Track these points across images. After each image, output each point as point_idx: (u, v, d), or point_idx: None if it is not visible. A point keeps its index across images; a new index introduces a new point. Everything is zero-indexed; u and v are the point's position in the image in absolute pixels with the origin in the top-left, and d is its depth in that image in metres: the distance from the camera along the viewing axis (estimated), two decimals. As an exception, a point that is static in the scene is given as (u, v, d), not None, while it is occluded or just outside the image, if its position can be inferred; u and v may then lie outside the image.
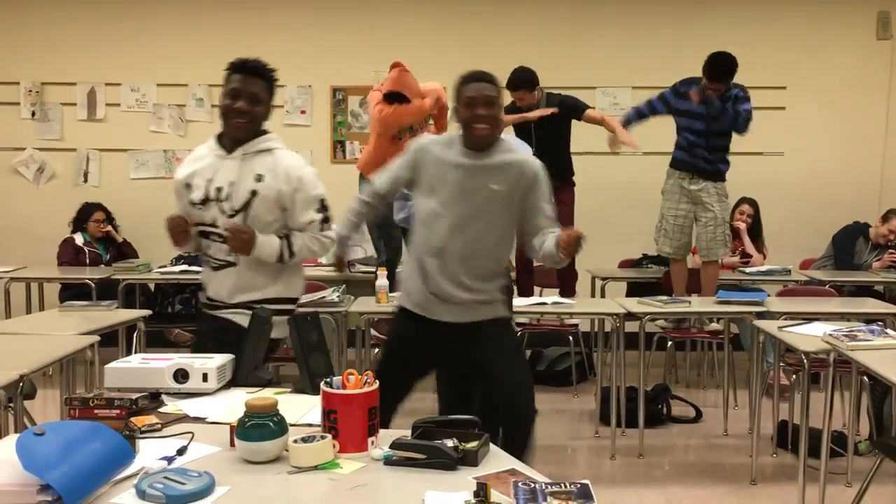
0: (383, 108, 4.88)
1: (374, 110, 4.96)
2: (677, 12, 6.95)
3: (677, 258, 5.44)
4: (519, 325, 5.71)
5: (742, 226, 6.12)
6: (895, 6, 6.97)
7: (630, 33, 6.99)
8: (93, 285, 5.55)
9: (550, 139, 5.42)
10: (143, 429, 2.04)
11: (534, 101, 5.44)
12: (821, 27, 6.98)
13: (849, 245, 6.23)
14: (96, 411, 2.11)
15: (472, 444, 1.91)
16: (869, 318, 4.21)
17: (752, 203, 6.17)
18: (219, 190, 2.96)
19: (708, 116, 5.15)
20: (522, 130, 5.48)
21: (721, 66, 5.05)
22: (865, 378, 4.02)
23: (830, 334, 3.38)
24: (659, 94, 5.40)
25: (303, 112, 7.12)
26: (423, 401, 5.45)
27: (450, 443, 1.89)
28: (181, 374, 2.42)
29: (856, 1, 6.97)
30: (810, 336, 3.61)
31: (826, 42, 6.99)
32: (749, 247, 6.12)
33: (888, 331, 3.42)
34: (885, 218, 6.16)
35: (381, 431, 1.99)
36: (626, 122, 5.52)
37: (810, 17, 6.98)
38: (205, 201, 2.97)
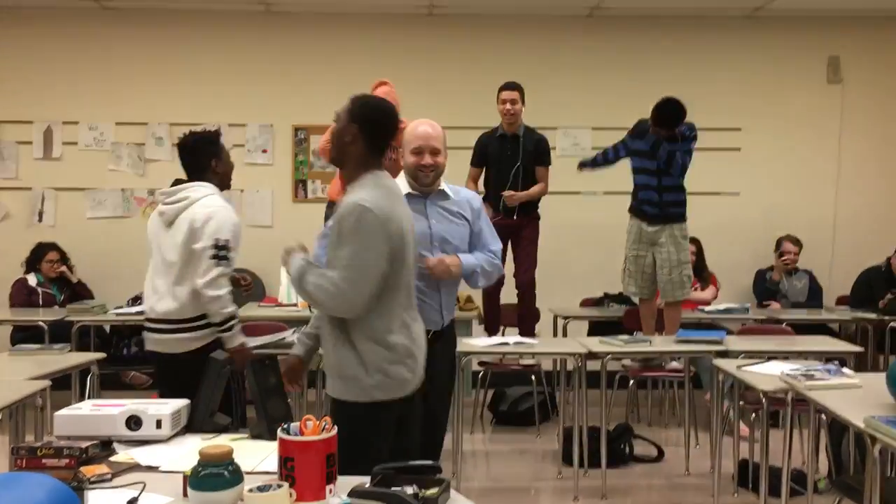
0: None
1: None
2: (635, 56, 7.08)
3: (644, 298, 5.45)
4: (482, 364, 5.71)
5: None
6: (845, 52, 7.18)
7: (590, 76, 7.11)
8: (46, 327, 5.41)
9: (524, 176, 5.47)
10: (92, 479, 1.98)
11: (518, 114, 5.47)
12: (774, 71, 7.17)
13: (762, 284, 6.62)
14: (44, 461, 2.05)
15: (433, 491, 1.89)
16: (827, 357, 4.27)
17: (695, 242, 6.23)
18: None
19: (655, 151, 5.22)
20: (505, 165, 5.48)
21: (666, 113, 5.10)
22: (823, 416, 4.06)
23: (788, 374, 3.41)
24: (620, 141, 5.44)
25: (264, 151, 7.10)
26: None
27: (410, 490, 1.87)
28: (134, 421, 2.37)
29: (807, 46, 7.17)
30: (768, 375, 3.65)
31: (779, 85, 7.18)
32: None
33: (844, 370, 3.47)
34: (778, 248, 6.63)
35: (340, 478, 1.95)
36: (583, 165, 5.65)
37: (764, 61, 7.17)
38: None
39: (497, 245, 3.37)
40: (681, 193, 5.29)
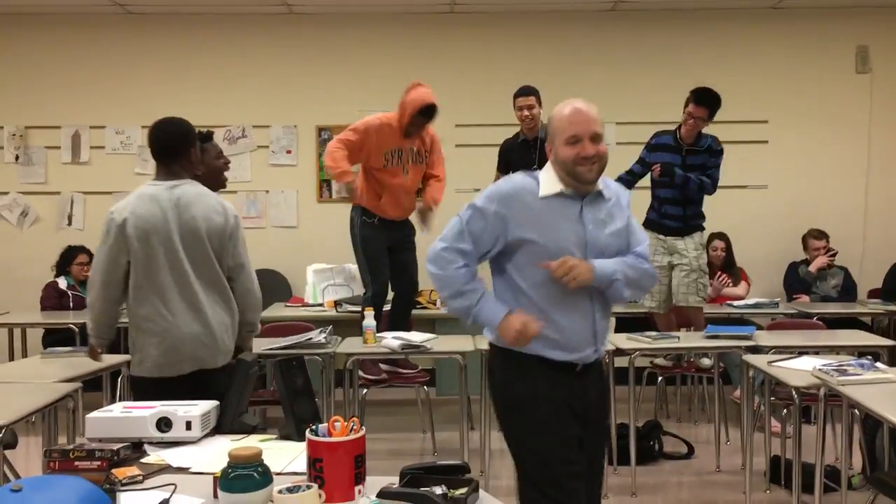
0: (335, 152, 4.79)
1: (334, 144, 4.84)
2: (660, 50, 7.02)
3: (661, 312, 5.39)
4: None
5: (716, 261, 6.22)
6: (873, 41, 7.07)
7: (613, 71, 7.05)
8: (76, 330, 5.47)
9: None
10: (124, 481, 2.00)
11: (537, 118, 5.44)
12: (801, 62, 7.07)
13: (793, 277, 6.52)
14: (76, 463, 2.07)
15: (461, 491, 1.88)
16: (860, 351, 4.21)
17: (724, 237, 6.23)
18: None
19: (682, 165, 5.13)
20: (525, 164, 5.46)
21: (709, 93, 5.06)
22: (856, 411, 4.00)
23: (820, 369, 3.37)
24: (638, 159, 5.36)
25: (288, 152, 7.12)
26: (410, 441, 5.41)
27: (438, 490, 1.86)
28: (164, 423, 2.38)
29: (835, 36, 7.07)
30: (800, 371, 3.60)
31: (807, 76, 7.08)
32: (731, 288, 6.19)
33: (878, 364, 3.41)
34: (805, 245, 6.55)
35: (369, 479, 1.95)
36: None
37: (790, 52, 7.07)
38: None
39: (642, 244, 2.66)
40: (700, 206, 5.27)
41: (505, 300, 2.52)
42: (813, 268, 6.39)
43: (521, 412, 2.53)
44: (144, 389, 3.09)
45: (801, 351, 4.11)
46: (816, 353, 4.12)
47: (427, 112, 4.79)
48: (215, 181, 3.57)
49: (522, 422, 2.53)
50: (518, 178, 2.56)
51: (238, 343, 3.34)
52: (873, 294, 6.53)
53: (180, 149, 3.27)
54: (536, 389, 2.50)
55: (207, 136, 3.63)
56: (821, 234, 6.50)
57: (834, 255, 6.44)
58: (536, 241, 2.45)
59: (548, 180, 2.51)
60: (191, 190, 3.22)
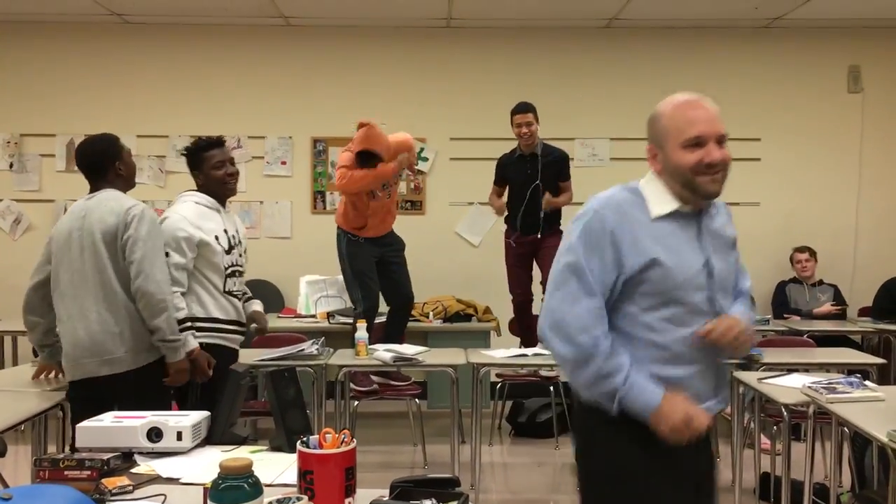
0: (344, 173, 4.96)
1: (338, 174, 5.04)
2: (654, 67, 7.07)
3: None
4: (499, 376, 5.70)
5: None
6: (865, 61, 7.13)
7: (608, 87, 7.10)
8: (68, 338, 5.44)
9: (546, 189, 5.47)
10: (113, 491, 1.99)
11: (534, 134, 5.46)
12: (794, 81, 7.13)
13: (780, 297, 6.58)
14: (66, 473, 2.06)
15: (451, 505, 1.88)
16: (849, 369, 4.23)
17: None
18: (234, 237, 3.64)
19: None
20: (524, 185, 5.48)
21: None
22: (845, 429, 4.02)
23: (810, 386, 3.38)
24: None
25: (283, 163, 7.13)
26: (401, 454, 5.40)
27: (428, 503, 1.86)
28: (155, 433, 2.38)
29: (827, 55, 7.13)
30: (790, 388, 3.62)
31: (799, 95, 7.13)
32: None
33: (867, 383, 3.43)
34: (791, 261, 6.70)
35: (359, 491, 1.95)
36: None
37: (783, 70, 7.13)
38: (231, 248, 3.59)
39: (748, 281, 2.26)
40: None
41: None
42: (819, 313, 6.39)
43: (632, 488, 2.00)
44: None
45: (791, 368, 4.12)
46: (806, 371, 4.14)
47: (361, 159, 4.92)
48: (216, 190, 3.63)
49: (635, 500, 2.01)
50: (621, 193, 2.03)
51: (166, 355, 3.25)
52: (863, 312, 6.56)
53: (103, 165, 3.37)
54: (655, 459, 1.96)
55: (209, 145, 3.67)
56: (804, 248, 6.60)
57: (803, 266, 6.56)
58: (662, 265, 1.92)
59: (657, 196, 2.00)
60: (100, 196, 3.30)
